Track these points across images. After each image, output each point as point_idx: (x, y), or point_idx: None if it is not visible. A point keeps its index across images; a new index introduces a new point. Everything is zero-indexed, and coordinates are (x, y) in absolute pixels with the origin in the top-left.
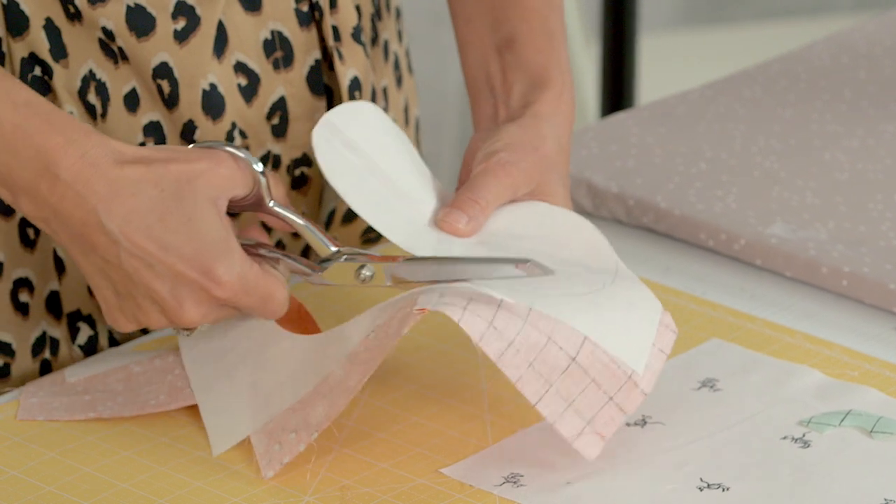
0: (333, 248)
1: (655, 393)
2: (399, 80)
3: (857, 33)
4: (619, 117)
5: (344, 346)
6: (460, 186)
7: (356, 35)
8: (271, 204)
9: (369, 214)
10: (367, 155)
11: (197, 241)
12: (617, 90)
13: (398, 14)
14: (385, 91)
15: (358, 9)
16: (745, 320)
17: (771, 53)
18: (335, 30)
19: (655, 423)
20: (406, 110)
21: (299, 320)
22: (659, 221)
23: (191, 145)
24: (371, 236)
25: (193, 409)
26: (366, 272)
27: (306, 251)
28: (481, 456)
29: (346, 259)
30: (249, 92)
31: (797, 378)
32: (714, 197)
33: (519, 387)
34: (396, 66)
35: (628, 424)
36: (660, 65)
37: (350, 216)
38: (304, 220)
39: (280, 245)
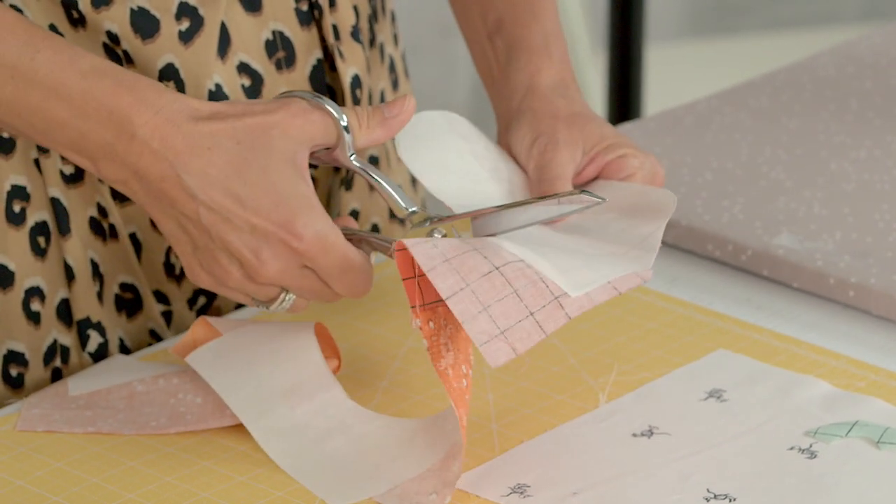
0: (412, 209)
1: (662, 403)
2: (395, 83)
3: (862, 44)
4: (626, 128)
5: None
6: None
7: (355, 34)
8: (352, 158)
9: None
10: (448, 150)
11: (275, 194)
12: (623, 100)
13: (393, 18)
14: (382, 94)
15: (356, 9)
16: (751, 331)
17: (777, 64)
18: (335, 28)
19: (662, 433)
20: None
21: (321, 341)
22: (665, 232)
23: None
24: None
25: None
26: (437, 235)
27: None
28: (488, 466)
29: (422, 222)
30: (253, 92)
31: (804, 389)
32: (720, 207)
33: (431, 277)
34: (392, 68)
35: (634, 435)
36: (666, 75)
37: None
38: (384, 177)
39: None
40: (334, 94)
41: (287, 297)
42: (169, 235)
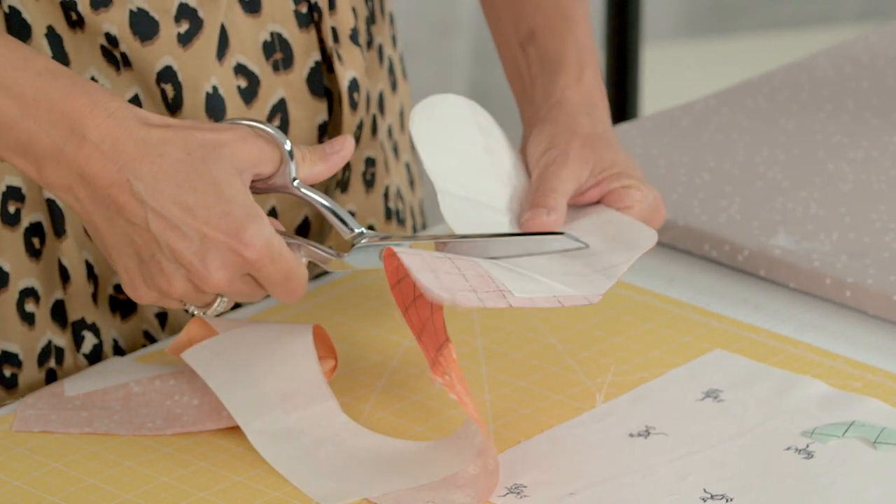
0: (357, 230)
1: (659, 404)
2: (394, 85)
3: (860, 44)
4: (623, 128)
5: (471, 443)
6: (527, 204)
7: (354, 37)
8: (296, 184)
9: (447, 202)
10: (458, 141)
11: (225, 204)
12: (621, 100)
13: (391, 20)
14: (381, 95)
15: (354, 11)
16: (748, 331)
17: (774, 64)
18: (334, 31)
19: (659, 433)
20: (401, 115)
21: (318, 341)
22: (662, 232)
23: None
24: None
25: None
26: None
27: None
28: None
29: (368, 242)
30: (249, 94)
31: (801, 389)
32: (717, 207)
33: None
34: (391, 70)
35: (631, 435)
36: (663, 75)
37: None
38: (330, 201)
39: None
40: (331, 97)
41: (221, 302)
42: (111, 248)
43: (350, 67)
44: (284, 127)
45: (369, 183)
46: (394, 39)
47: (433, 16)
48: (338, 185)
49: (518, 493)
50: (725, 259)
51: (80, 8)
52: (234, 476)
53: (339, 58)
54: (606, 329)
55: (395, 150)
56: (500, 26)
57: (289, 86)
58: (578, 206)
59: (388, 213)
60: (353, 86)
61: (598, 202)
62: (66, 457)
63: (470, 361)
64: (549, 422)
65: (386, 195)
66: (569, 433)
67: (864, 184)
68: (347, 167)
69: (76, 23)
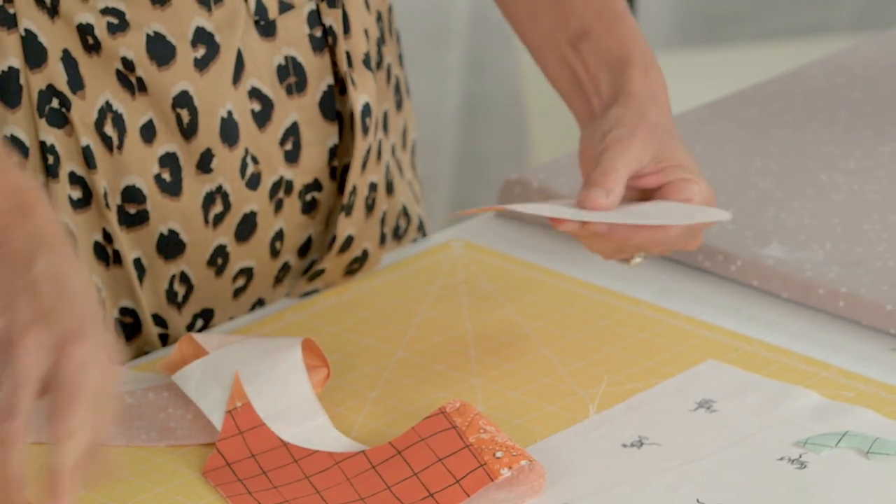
0: None
1: (652, 414)
2: (399, 104)
3: (852, 54)
4: None
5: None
6: (586, 182)
7: (367, 61)
8: None
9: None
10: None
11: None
12: None
13: (398, 38)
14: (386, 115)
15: (367, 33)
16: (741, 341)
17: (767, 74)
18: (348, 56)
19: (652, 444)
20: (404, 134)
21: (309, 352)
22: None
23: None
24: (354, 267)
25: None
26: None
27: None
28: None
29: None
30: (263, 118)
31: (794, 399)
32: None
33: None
34: (397, 89)
35: (624, 445)
36: None
37: (346, 245)
38: None
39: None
40: (342, 120)
41: None
42: None
43: (363, 92)
44: (297, 150)
45: (370, 207)
46: (400, 58)
47: (426, 27)
48: (342, 209)
49: None
50: (718, 269)
51: (97, 32)
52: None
53: (353, 82)
54: (599, 339)
55: (400, 167)
56: (537, 26)
57: (302, 109)
58: (639, 196)
59: (383, 239)
60: (366, 111)
61: (656, 192)
62: None
63: (462, 372)
64: (542, 432)
65: (382, 220)
66: (562, 444)
67: (857, 194)
68: (354, 191)
69: (92, 47)
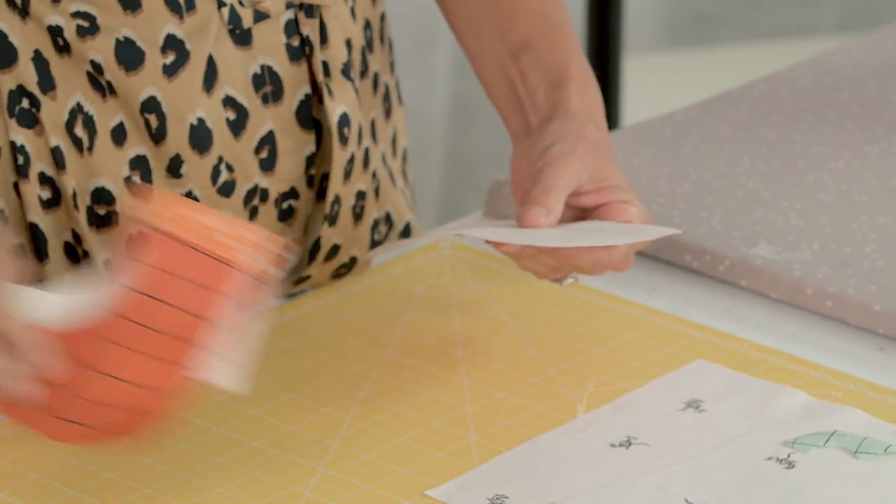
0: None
1: (640, 414)
2: (388, 112)
3: (840, 55)
4: None
5: None
6: (519, 203)
7: (346, 71)
8: None
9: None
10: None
11: None
12: None
13: (391, 46)
14: (373, 123)
15: (348, 43)
16: (729, 341)
17: (755, 75)
18: (325, 65)
19: (640, 444)
20: (394, 142)
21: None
22: None
23: None
24: (342, 272)
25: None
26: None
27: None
28: (466, 477)
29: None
30: (238, 126)
31: (782, 399)
32: (699, 218)
33: None
34: (386, 97)
35: (613, 445)
36: (644, 86)
37: (332, 254)
38: None
39: None
40: (320, 129)
41: None
42: None
43: (341, 102)
44: (273, 158)
45: (358, 216)
46: (391, 65)
47: (413, 29)
48: (325, 219)
49: None
50: (707, 269)
51: (66, 34)
52: (214, 487)
53: (330, 92)
54: (588, 339)
55: (391, 176)
56: (480, 38)
57: (278, 118)
58: (573, 214)
59: (373, 245)
60: (344, 120)
61: (592, 211)
62: (48, 468)
63: (451, 372)
64: (531, 432)
65: (374, 227)
66: (550, 444)
67: (845, 194)
68: (337, 201)
69: (63, 48)
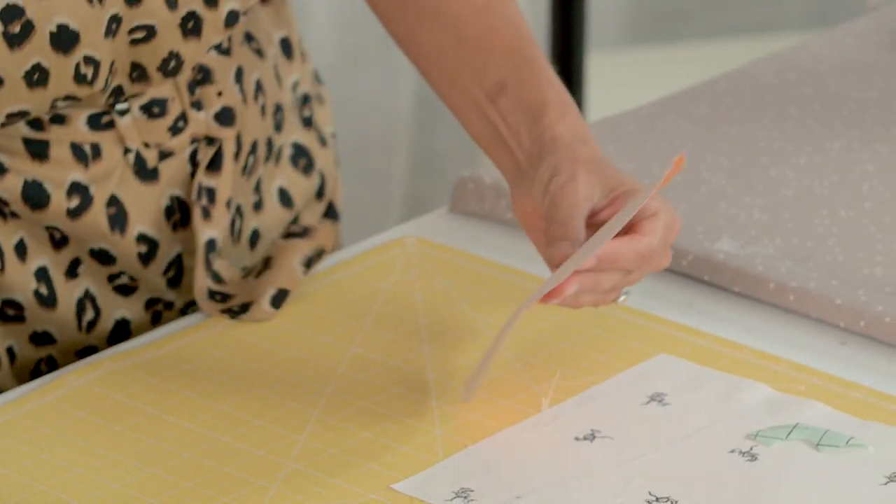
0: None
1: (604, 407)
2: (278, 126)
3: (802, 51)
4: None
5: None
6: (540, 246)
7: (229, 203)
8: None
9: None
10: None
11: None
12: None
13: (304, 57)
14: (269, 142)
15: (254, 145)
16: (693, 335)
17: (717, 71)
18: (210, 192)
19: (604, 437)
20: (276, 151)
21: None
22: None
23: None
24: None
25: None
26: None
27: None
28: (432, 471)
29: None
30: (148, 257)
31: (745, 392)
32: None
33: None
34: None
35: (577, 439)
36: (607, 83)
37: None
38: None
39: None
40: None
41: None
42: None
43: (213, 228)
44: (178, 277)
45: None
46: (315, 75)
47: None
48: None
49: (465, 497)
50: (670, 264)
51: None
52: (184, 482)
53: (207, 215)
54: (553, 334)
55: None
56: (455, 86)
57: (186, 241)
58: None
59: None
60: (211, 246)
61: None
62: (55, 478)
63: (417, 367)
64: (496, 426)
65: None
66: (515, 437)
67: (806, 189)
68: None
69: None
